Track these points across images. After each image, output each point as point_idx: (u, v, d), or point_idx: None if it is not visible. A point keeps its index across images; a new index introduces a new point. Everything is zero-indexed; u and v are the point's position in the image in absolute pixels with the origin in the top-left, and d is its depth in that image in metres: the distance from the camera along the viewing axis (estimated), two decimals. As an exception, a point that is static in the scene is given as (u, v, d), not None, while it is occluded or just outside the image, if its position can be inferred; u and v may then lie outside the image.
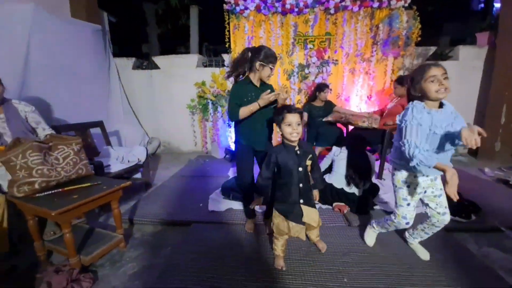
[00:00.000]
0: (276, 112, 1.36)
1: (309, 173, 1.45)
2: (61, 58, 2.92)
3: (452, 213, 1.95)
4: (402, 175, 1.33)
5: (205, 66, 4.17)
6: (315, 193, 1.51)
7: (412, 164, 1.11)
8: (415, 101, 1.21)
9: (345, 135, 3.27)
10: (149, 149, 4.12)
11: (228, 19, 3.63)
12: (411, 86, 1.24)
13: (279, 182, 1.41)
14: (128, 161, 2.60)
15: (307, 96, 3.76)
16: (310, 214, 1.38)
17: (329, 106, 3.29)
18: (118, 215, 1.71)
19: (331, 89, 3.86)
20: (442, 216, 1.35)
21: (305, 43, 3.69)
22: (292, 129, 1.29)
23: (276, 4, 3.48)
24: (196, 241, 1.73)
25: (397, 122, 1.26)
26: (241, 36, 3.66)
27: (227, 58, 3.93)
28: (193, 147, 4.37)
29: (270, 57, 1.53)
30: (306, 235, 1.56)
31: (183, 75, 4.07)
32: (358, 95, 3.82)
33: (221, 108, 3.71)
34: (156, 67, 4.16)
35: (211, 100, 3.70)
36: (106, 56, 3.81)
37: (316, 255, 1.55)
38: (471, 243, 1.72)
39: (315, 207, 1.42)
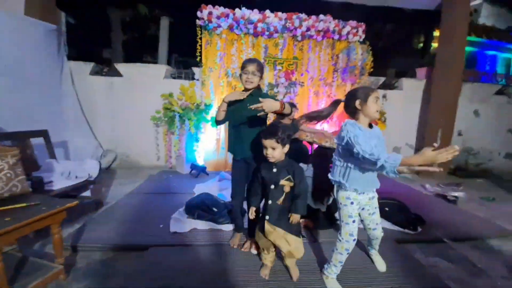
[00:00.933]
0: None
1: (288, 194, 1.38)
2: (6, 57, 2.57)
3: (401, 226, 2.17)
4: (345, 193, 1.35)
5: (174, 78, 4.06)
6: (294, 217, 1.35)
7: (379, 163, 1.08)
8: (347, 120, 1.33)
9: (309, 152, 3.44)
10: (103, 162, 3.72)
11: (201, 34, 3.65)
12: (349, 103, 1.33)
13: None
14: (76, 177, 2.29)
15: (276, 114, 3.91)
16: (275, 235, 1.38)
17: (295, 125, 3.45)
18: (58, 241, 1.45)
19: (297, 109, 4.11)
20: (373, 231, 1.50)
21: (275, 64, 3.89)
22: (266, 152, 1.36)
23: (248, 26, 3.63)
24: (154, 268, 1.55)
25: (335, 141, 1.34)
26: (213, 52, 3.69)
27: (197, 71, 3.90)
28: (155, 161, 4.08)
29: (243, 65, 1.60)
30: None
31: (149, 85, 3.88)
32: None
33: (188, 122, 3.59)
34: (118, 74, 3.89)
35: (178, 112, 3.56)
36: (59, 59, 3.44)
37: (286, 275, 1.53)
38: (419, 253, 1.90)
39: (287, 231, 1.37)
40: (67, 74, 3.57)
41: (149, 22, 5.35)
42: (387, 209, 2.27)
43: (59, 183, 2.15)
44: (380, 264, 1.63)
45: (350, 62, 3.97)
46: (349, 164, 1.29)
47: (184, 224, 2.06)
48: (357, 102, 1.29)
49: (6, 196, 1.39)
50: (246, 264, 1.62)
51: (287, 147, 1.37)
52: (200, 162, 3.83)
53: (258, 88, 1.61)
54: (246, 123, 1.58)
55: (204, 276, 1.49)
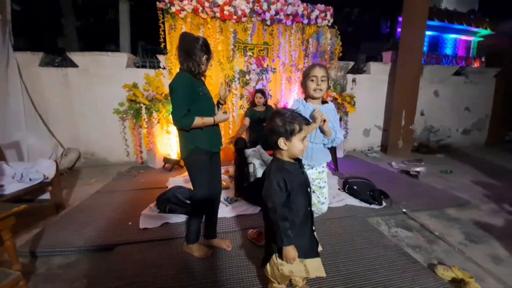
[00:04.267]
0: (283, 121, 1.00)
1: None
2: None
3: (368, 202, 2.30)
4: None
5: (138, 67, 3.79)
6: None
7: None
8: (298, 97, 1.44)
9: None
10: (65, 162, 3.44)
11: (163, 18, 3.40)
12: (302, 82, 1.44)
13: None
14: (30, 179, 2.09)
15: (249, 102, 3.86)
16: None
17: (270, 111, 3.45)
18: (11, 247, 1.36)
19: (271, 95, 4.09)
20: (321, 205, 1.52)
21: (245, 50, 3.78)
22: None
23: (215, 9, 3.46)
24: (121, 267, 1.49)
25: None
26: (178, 38, 3.47)
27: (163, 59, 3.66)
28: (124, 157, 3.86)
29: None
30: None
31: (110, 75, 3.58)
32: (295, 102, 4.15)
33: (156, 113, 3.41)
34: (73, 65, 3.53)
35: (144, 104, 3.36)
36: (4, 50, 3.03)
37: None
38: (383, 225, 2.04)
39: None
40: (14, 67, 3.17)
41: (105, 5, 4.85)
42: (355, 187, 2.39)
43: (10, 187, 1.95)
44: None
45: (320, 47, 3.99)
46: None
47: (155, 220, 1.99)
48: (303, 84, 1.36)
49: None
50: (220, 254, 1.61)
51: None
52: (173, 155, 3.70)
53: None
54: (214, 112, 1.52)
55: (176, 269, 1.46)
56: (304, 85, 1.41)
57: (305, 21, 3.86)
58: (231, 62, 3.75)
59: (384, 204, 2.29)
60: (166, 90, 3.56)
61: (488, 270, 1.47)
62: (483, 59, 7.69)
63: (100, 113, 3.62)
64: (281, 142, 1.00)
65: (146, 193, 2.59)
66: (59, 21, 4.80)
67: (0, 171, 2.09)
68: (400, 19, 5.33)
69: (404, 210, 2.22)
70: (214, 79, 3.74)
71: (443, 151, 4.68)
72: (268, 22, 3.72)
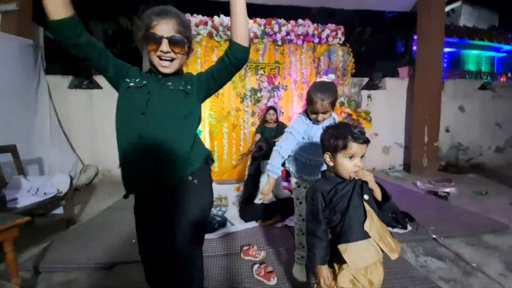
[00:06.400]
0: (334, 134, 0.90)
1: None
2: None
3: (390, 226, 2.06)
4: (294, 179, 1.47)
5: (155, 88, 3.99)
6: None
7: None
8: (300, 112, 1.45)
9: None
10: (84, 178, 3.55)
11: (180, 42, 3.63)
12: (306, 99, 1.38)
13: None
14: (45, 193, 2.15)
15: (260, 119, 3.86)
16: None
17: (281, 128, 3.40)
18: (12, 260, 1.35)
19: (282, 112, 4.07)
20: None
21: (257, 69, 3.87)
22: (354, 165, 0.88)
23: (228, 32, 3.64)
24: (121, 286, 1.40)
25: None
26: (194, 60, 3.66)
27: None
28: (139, 174, 3.93)
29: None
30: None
31: (130, 96, 3.80)
32: (307, 118, 4.08)
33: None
34: (98, 86, 3.81)
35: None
36: (36, 73, 3.36)
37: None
38: (409, 253, 1.79)
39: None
40: (44, 89, 3.48)
41: (131, 34, 5.34)
42: (374, 208, 2.17)
43: (24, 200, 2.00)
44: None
45: (332, 64, 3.98)
46: (296, 154, 1.40)
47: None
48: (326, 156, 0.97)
49: None
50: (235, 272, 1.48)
51: None
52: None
53: None
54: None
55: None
56: (307, 105, 1.34)
57: (316, 40, 3.92)
58: (243, 81, 3.84)
59: (409, 228, 2.04)
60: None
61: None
62: (509, 75, 7.26)
63: (118, 131, 3.79)
64: (327, 157, 0.93)
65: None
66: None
67: (17, 184, 2.18)
68: (415, 37, 5.26)
69: (433, 236, 1.95)
70: (226, 98, 3.82)
71: (475, 171, 4.24)
72: (279, 43, 3.83)
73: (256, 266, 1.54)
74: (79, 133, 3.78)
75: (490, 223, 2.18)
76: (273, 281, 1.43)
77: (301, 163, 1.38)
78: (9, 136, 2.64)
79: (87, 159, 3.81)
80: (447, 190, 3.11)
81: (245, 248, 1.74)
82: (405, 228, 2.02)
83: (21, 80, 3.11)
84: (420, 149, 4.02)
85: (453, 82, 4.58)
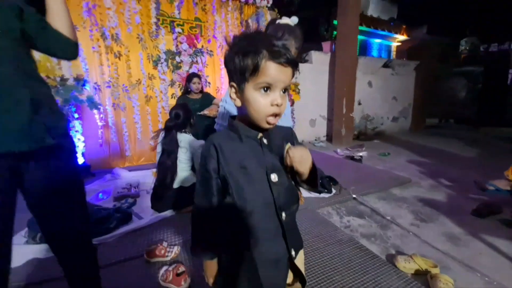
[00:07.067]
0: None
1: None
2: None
3: (318, 191, 2.02)
4: None
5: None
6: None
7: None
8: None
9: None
10: None
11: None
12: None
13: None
14: None
15: (182, 89, 3.24)
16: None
17: (207, 99, 2.90)
18: None
19: (209, 82, 3.56)
20: None
21: (172, 26, 3.15)
22: (270, 102, 0.53)
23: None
24: None
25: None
26: (74, 2, 2.60)
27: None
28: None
29: None
30: None
31: None
32: (237, 89, 3.73)
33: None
34: None
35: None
36: None
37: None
38: (335, 215, 1.76)
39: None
40: None
41: None
42: (303, 176, 2.09)
43: None
44: None
45: (260, 30, 3.67)
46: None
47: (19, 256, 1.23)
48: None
49: None
50: None
51: None
52: (79, 159, 2.79)
53: None
54: None
55: None
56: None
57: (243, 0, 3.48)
58: (155, 39, 3.07)
59: (334, 191, 2.05)
60: (59, 72, 2.66)
61: (449, 253, 1.30)
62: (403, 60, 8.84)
63: None
64: (232, 91, 0.56)
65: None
66: None
67: None
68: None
69: (354, 195, 2.01)
70: (133, 61, 2.99)
71: (378, 137, 4.98)
72: (199, -5, 3.20)
73: (163, 270, 1.13)
74: None
75: (396, 178, 2.46)
76: (184, 285, 1.07)
77: None
78: None
79: None
80: (361, 154, 3.44)
81: (150, 248, 1.30)
82: (330, 192, 2.02)
83: None
84: (340, 120, 4.36)
85: (365, 59, 5.08)
